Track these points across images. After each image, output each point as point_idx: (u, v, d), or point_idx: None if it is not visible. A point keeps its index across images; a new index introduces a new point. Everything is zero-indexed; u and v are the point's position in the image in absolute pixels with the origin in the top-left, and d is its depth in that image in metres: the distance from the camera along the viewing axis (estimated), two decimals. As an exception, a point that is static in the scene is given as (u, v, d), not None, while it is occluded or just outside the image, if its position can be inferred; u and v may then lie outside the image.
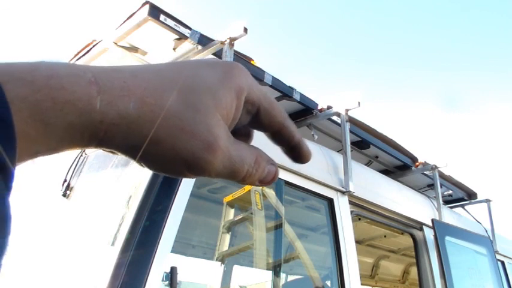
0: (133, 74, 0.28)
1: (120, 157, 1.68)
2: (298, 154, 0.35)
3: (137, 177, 1.56)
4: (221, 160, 0.29)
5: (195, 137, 0.28)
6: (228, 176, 0.30)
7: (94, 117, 0.25)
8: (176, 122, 0.27)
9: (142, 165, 0.29)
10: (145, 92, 0.27)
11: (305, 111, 2.55)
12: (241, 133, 0.34)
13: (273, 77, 2.23)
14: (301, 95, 2.41)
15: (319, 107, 2.54)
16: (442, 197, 3.28)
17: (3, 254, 0.20)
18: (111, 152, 0.29)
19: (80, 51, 2.19)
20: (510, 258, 3.71)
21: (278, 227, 2.18)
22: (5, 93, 0.22)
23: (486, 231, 3.58)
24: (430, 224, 2.73)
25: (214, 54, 1.96)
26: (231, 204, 2.57)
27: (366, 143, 2.94)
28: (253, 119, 0.33)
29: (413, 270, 4.44)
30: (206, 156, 0.28)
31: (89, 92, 0.25)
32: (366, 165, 3.11)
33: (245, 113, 0.32)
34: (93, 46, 2.10)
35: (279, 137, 0.34)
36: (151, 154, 0.28)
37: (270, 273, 2.17)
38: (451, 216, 3.37)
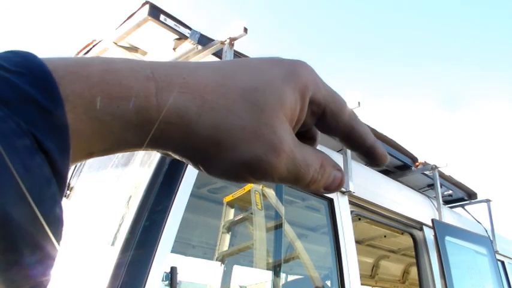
0: (192, 71, 0.26)
1: (120, 157, 1.68)
2: (372, 158, 0.32)
3: (137, 177, 1.56)
4: (286, 164, 0.27)
5: (259, 138, 0.26)
6: (292, 181, 0.28)
7: (151, 115, 0.24)
8: (239, 122, 0.26)
9: (200, 169, 0.27)
10: (206, 89, 0.25)
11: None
12: (306, 136, 0.32)
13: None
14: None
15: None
16: (442, 197, 3.28)
17: (54, 261, 0.20)
18: (166, 154, 0.27)
19: (80, 51, 2.19)
20: (510, 258, 3.71)
21: (278, 227, 2.18)
22: (60, 88, 0.21)
23: (486, 231, 3.58)
24: (430, 224, 2.73)
25: (214, 54, 1.96)
26: (231, 204, 2.57)
27: (366, 143, 2.93)
28: (319, 121, 0.31)
29: (413, 270, 4.44)
30: (270, 159, 0.26)
31: (147, 88, 0.23)
32: (366, 165, 3.11)
33: (310, 114, 0.30)
34: (93, 46, 2.10)
35: (348, 140, 0.32)
36: (211, 157, 0.26)
37: (270, 273, 2.17)
38: (451, 216, 3.37)
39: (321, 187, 0.30)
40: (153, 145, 0.25)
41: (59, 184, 0.20)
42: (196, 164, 0.27)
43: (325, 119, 0.30)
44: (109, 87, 0.22)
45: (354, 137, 0.31)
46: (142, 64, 0.24)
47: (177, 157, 0.27)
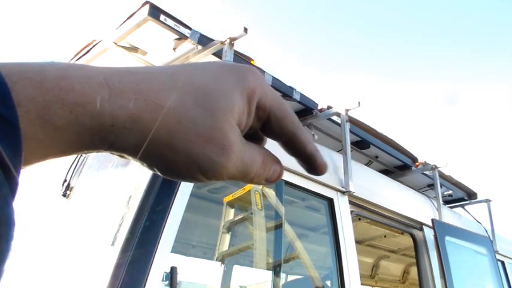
0: (146, 77, 0.27)
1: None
2: (311, 166, 0.34)
3: (137, 177, 1.56)
4: (234, 164, 0.29)
5: (211, 141, 0.27)
6: (239, 178, 0.30)
7: (105, 121, 0.24)
8: (191, 127, 0.27)
9: (155, 171, 0.28)
10: (159, 95, 0.26)
11: (305, 111, 2.55)
12: (254, 137, 0.34)
13: (273, 77, 2.23)
14: (301, 95, 2.41)
15: (319, 107, 2.55)
16: (442, 197, 3.28)
17: (5, 260, 0.20)
18: (121, 156, 0.28)
19: (80, 51, 2.19)
20: (510, 258, 3.71)
21: (278, 227, 2.18)
22: (13, 94, 0.21)
23: (486, 231, 3.58)
24: (430, 224, 2.73)
25: (214, 54, 1.96)
26: (231, 204, 2.57)
27: (366, 143, 2.94)
28: (264, 125, 0.32)
29: (413, 270, 4.44)
30: (222, 161, 0.28)
31: (100, 94, 0.24)
32: (366, 165, 3.11)
33: (256, 119, 0.31)
34: (93, 46, 2.10)
35: (290, 146, 0.33)
36: (165, 160, 0.27)
37: (270, 273, 2.17)
38: (451, 216, 3.37)
39: (262, 180, 0.32)
40: (107, 148, 0.26)
41: (11, 186, 0.20)
42: (151, 167, 0.28)
43: (270, 124, 0.32)
44: (62, 93, 0.23)
45: (295, 143, 0.33)
46: (97, 71, 0.25)
47: (132, 160, 0.28)
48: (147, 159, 0.27)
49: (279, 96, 0.32)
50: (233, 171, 0.29)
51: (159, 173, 0.29)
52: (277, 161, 0.33)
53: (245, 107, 0.30)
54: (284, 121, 0.32)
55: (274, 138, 0.33)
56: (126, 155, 0.27)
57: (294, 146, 0.33)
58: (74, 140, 0.24)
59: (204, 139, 0.27)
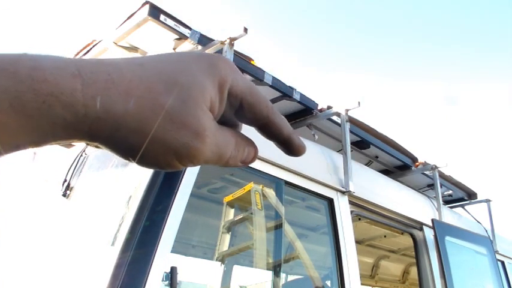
0: (118, 67, 0.27)
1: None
2: (289, 148, 0.35)
3: (137, 177, 1.56)
4: (209, 147, 0.29)
5: (184, 127, 0.28)
6: (214, 161, 0.31)
7: (78, 111, 0.25)
8: (164, 114, 0.27)
9: (130, 161, 0.29)
10: (130, 85, 0.27)
11: (305, 111, 2.55)
12: (229, 123, 0.34)
13: (273, 77, 2.23)
14: (301, 95, 2.41)
15: (319, 107, 2.55)
16: (442, 197, 3.28)
17: None
18: (96, 147, 0.29)
19: (80, 51, 2.19)
20: (510, 258, 3.71)
21: (278, 227, 2.18)
22: None
23: (486, 231, 3.58)
24: (430, 224, 2.73)
25: (214, 54, 1.95)
26: (231, 204, 2.57)
27: (366, 143, 2.94)
28: (237, 112, 0.33)
29: (413, 270, 4.44)
30: (196, 145, 0.28)
31: (72, 84, 0.24)
32: (366, 165, 3.11)
33: (229, 105, 0.32)
34: (93, 46, 2.10)
35: (266, 131, 0.34)
36: (139, 149, 0.27)
37: (270, 273, 2.17)
38: (451, 216, 3.37)
39: (238, 161, 0.33)
40: (82, 138, 0.26)
41: None
42: (126, 156, 0.28)
43: (243, 110, 0.33)
44: (35, 83, 0.23)
45: (271, 127, 0.34)
46: (69, 62, 0.25)
47: (107, 149, 0.28)
48: (121, 149, 0.28)
49: (250, 82, 0.33)
50: (208, 154, 0.30)
51: (134, 163, 0.29)
52: (250, 142, 0.34)
53: (217, 94, 0.30)
54: (257, 106, 0.32)
55: (249, 123, 0.34)
56: (100, 145, 0.28)
57: (269, 130, 0.34)
58: (47, 130, 0.24)
59: (178, 125, 0.28)
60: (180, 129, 0.28)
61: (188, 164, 0.29)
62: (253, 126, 0.34)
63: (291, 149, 0.35)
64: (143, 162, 0.29)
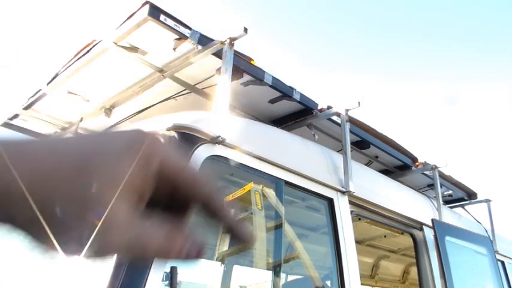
0: (23, 149, 0.26)
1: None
2: (232, 235, 0.31)
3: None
4: (121, 239, 0.26)
5: (86, 215, 0.25)
6: (137, 253, 0.28)
7: None
8: (66, 197, 0.25)
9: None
10: (32, 173, 0.25)
11: (305, 111, 2.55)
12: (173, 211, 0.31)
13: (273, 77, 2.23)
14: (301, 95, 2.41)
15: (319, 107, 2.55)
16: (442, 197, 3.28)
17: None
18: None
19: (80, 51, 2.19)
20: (510, 258, 3.71)
21: (278, 227, 2.18)
22: None
23: (486, 231, 3.58)
24: (430, 224, 2.73)
25: (214, 54, 1.96)
26: (231, 204, 2.57)
27: (366, 143, 2.94)
28: (175, 192, 0.29)
29: (413, 270, 4.44)
30: (102, 238, 0.26)
31: None
32: (366, 165, 3.11)
33: (161, 186, 0.29)
34: (93, 46, 2.10)
35: (206, 213, 0.30)
36: (42, 238, 0.26)
37: (270, 273, 2.17)
38: (451, 216, 3.37)
39: (181, 255, 0.29)
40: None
41: None
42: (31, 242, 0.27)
43: (179, 190, 0.29)
44: None
45: (211, 210, 0.30)
46: None
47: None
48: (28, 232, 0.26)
49: (184, 160, 0.30)
50: (122, 248, 0.26)
51: (39, 250, 0.27)
52: (195, 237, 0.30)
53: (138, 177, 0.27)
54: (194, 186, 0.30)
55: (188, 204, 0.30)
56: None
57: (209, 213, 0.30)
58: None
59: (80, 212, 0.25)
60: (83, 217, 0.25)
61: (99, 259, 0.26)
62: (191, 208, 0.31)
63: (234, 235, 0.31)
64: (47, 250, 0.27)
